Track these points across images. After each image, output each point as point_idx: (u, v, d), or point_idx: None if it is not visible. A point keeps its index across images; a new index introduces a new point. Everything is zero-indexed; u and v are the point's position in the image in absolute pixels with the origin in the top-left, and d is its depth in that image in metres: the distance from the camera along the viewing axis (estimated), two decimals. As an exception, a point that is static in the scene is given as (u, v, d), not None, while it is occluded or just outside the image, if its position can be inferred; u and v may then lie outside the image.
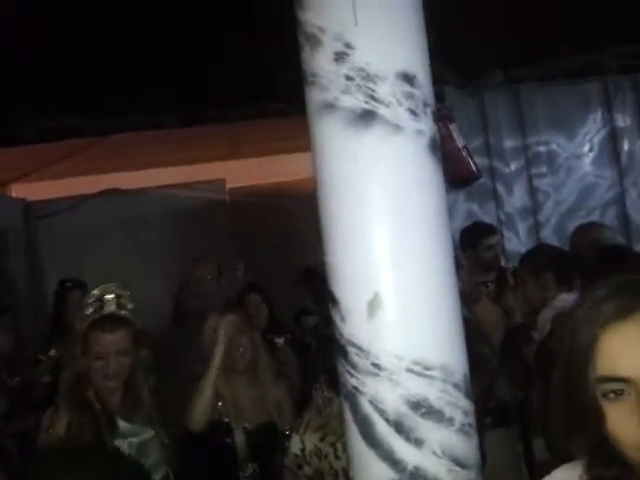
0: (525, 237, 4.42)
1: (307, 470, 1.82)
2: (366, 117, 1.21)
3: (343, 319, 1.21)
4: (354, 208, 1.20)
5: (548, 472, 2.19)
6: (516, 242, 4.25)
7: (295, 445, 1.83)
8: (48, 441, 1.89)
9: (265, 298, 3.50)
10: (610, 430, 0.74)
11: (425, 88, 1.27)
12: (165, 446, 2.07)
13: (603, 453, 0.78)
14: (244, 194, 6.88)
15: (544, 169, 4.62)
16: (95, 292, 2.04)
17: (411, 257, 1.20)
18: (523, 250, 3.69)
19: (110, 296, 2.02)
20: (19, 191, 6.74)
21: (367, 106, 1.21)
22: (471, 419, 1.19)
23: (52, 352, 3.23)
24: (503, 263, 3.62)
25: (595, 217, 4.58)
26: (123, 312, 2.03)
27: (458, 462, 1.15)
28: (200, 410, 2.20)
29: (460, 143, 3.71)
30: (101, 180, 6.61)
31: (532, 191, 4.56)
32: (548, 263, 2.87)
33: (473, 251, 3.39)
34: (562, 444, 0.81)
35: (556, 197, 4.60)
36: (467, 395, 1.19)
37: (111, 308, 2.01)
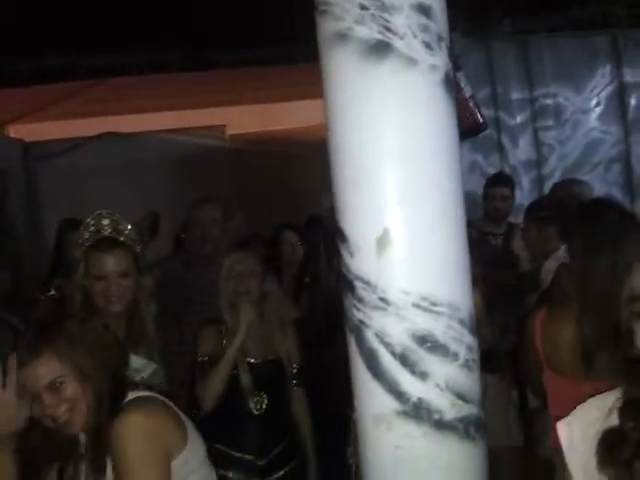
0: (528, 190, 4.41)
1: None
2: (380, 49, 1.18)
3: (352, 255, 1.21)
4: (365, 142, 1.18)
5: (540, 418, 2.22)
6: (519, 195, 4.23)
7: None
8: None
9: (301, 237, 3.50)
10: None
11: (440, 21, 1.24)
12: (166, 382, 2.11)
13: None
14: (245, 141, 6.79)
15: (550, 122, 4.57)
16: (90, 220, 2.00)
17: (421, 193, 1.19)
18: (526, 203, 3.68)
19: (106, 221, 1.99)
20: (18, 132, 6.65)
21: (381, 37, 1.18)
22: (475, 355, 1.21)
23: (52, 292, 3.23)
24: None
25: (599, 172, 4.57)
26: (120, 237, 2.01)
27: (461, 396, 1.17)
28: (214, 392, 2.23)
29: (467, 92, 3.65)
30: (100, 122, 6.51)
31: (537, 144, 4.52)
32: (551, 216, 2.88)
33: (484, 200, 3.40)
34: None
35: (561, 151, 4.57)
36: (471, 331, 1.21)
37: (107, 231, 1.98)
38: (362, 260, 1.20)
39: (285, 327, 2.44)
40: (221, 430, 2.22)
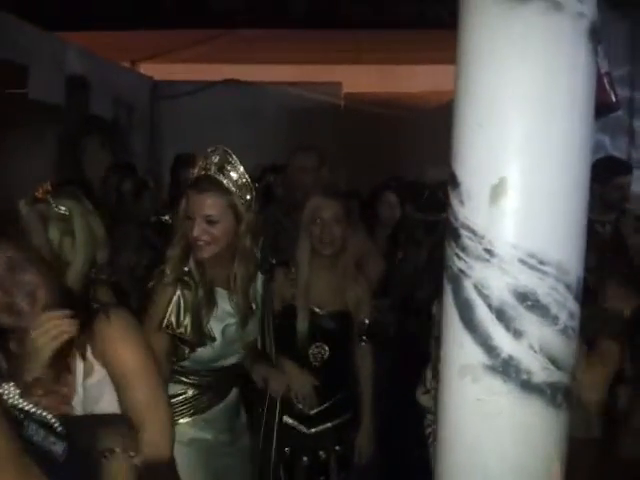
0: (654, 181, 4.10)
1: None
2: (525, -12, 1.11)
3: (462, 202, 1.17)
4: (496, 83, 1.13)
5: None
6: (643, 185, 3.95)
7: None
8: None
9: (400, 199, 3.52)
10: None
11: (595, -33, 1.15)
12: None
13: None
14: (359, 100, 6.76)
15: (689, 111, 4.20)
16: (204, 155, 1.98)
17: (546, 148, 1.13)
18: (650, 194, 3.43)
19: (216, 158, 1.95)
20: (148, 70, 7.00)
21: (529, -24, 1.11)
22: (575, 323, 1.15)
23: (165, 217, 3.39)
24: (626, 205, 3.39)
25: None
26: (223, 178, 1.93)
27: (554, 361, 1.12)
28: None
29: (603, 68, 3.41)
30: (224, 69, 6.73)
31: (671, 133, 4.18)
32: None
33: (599, 186, 3.19)
34: None
35: (696, 143, 4.20)
36: (577, 298, 1.15)
37: (212, 170, 1.93)
38: (472, 208, 1.16)
39: (359, 280, 2.35)
40: None
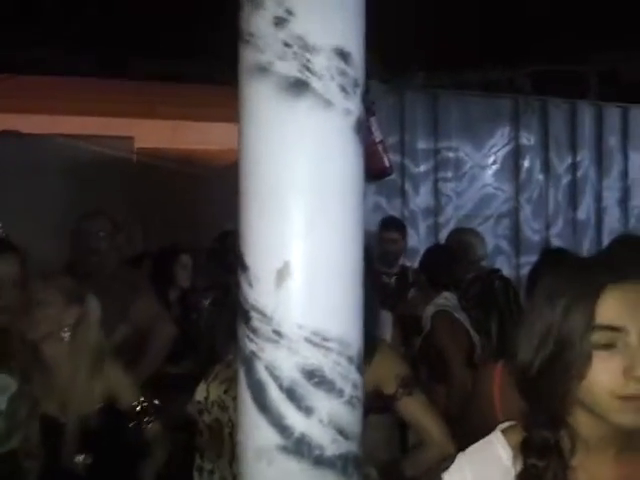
0: (425, 236, 4.61)
1: (206, 418, 1.82)
2: (298, 86, 1.21)
3: (250, 284, 1.21)
4: (274, 174, 1.20)
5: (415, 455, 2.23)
6: (416, 239, 4.42)
7: (200, 393, 1.84)
8: None
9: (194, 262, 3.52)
10: (593, 379, 0.87)
11: (358, 68, 1.29)
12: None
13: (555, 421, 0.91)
14: (152, 156, 6.65)
15: (450, 174, 4.82)
16: None
17: (324, 231, 1.22)
18: (422, 248, 3.84)
19: None
20: None
21: (301, 75, 1.21)
22: (359, 392, 1.24)
23: None
24: (402, 260, 3.76)
25: (489, 225, 4.86)
26: None
27: (342, 432, 1.19)
28: None
29: (377, 137, 3.79)
30: (2, 119, 6.18)
31: (436, 193, 4.76)
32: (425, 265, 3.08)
33: (377, 242, 3.50)
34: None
35: (457, 202, 4.83)
36: (358, 369, 1.23)
37: None
38: (260, 291, 1.20)
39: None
40: None
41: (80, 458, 1.96)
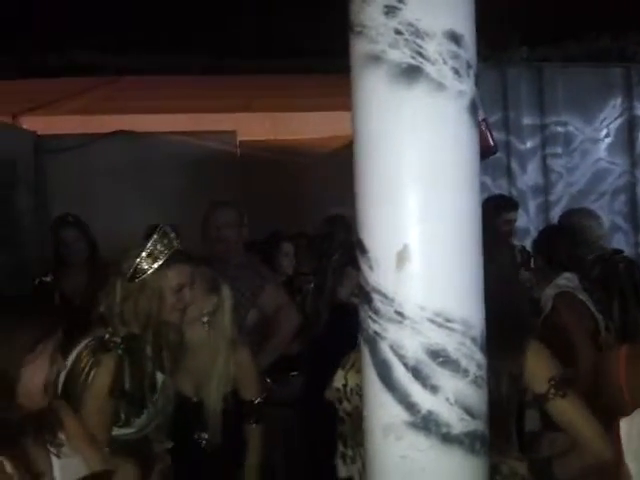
0: (534, 215, 4.46)
1: (346, 406, 1.86)
2: (411, 72, 1.23)
3: (371, 267, 1.25)
4: (391, 160, 1.23)
5: (538, 440, 2.20)
6: (525, 219, 4.28)
7: (339, 380, 1.87)
8: None
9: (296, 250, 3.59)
10: None
11: (470, 50, 1.29)
12: None
13: None
14: (255, 148, 6.83)
15: (559, 149, 4.63)
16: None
17: (442, 213, 1.24)
18: (532, 228, 3.73)
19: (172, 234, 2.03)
20: (30, 124, 6.67)
21: (413, 62, 1.23)
22: (484, 372, 1.25)
23: (48, 277, 3.27)
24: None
25: (605, 202, 4.62)
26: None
27: (469, 411, 1.21)
28: None
29: (480, 115, 3.69)
30: (113, 120, 6.55)
31: (545, 170, 4.59)
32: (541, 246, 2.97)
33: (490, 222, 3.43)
34: None
35: (568, 178, 4.63)
36: (482, 349, 1.25)
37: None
38: (381, 273, 1.24)
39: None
40: None
41: (205, 435, 2.11)
